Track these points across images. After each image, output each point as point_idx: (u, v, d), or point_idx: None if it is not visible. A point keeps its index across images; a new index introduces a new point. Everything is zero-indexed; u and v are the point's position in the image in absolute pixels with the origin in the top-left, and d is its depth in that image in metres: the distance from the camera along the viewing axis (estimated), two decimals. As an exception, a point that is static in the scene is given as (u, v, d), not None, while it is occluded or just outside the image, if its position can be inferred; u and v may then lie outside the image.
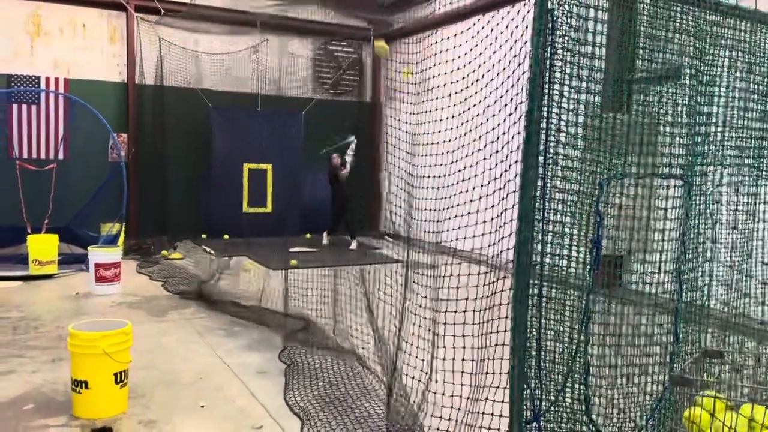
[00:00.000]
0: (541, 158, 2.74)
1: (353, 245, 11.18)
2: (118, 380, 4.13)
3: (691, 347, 3.14)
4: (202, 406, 4.30)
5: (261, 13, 11.28)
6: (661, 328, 2.96)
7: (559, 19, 2.71)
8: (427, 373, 4.03)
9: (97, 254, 7.64)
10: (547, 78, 2.71)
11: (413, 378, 4.12)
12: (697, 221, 3.17)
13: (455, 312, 3.83)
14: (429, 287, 4.41)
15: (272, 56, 12.21)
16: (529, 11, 2.79)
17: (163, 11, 11.21)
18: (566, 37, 2.75)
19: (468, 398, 3.36)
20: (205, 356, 5.36)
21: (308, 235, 12.33)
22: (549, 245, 2.79)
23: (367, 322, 5.31)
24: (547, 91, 2.71)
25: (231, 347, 5.60)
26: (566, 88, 2.77)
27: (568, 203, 2.82)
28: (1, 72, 10.45)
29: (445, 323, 3.96)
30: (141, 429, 3.95)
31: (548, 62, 2.71)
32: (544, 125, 2.73)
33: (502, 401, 3.02)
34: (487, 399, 3.15)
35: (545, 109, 2.73)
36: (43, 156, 10.72)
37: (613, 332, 2.85)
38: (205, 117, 11.88)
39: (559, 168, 2.79)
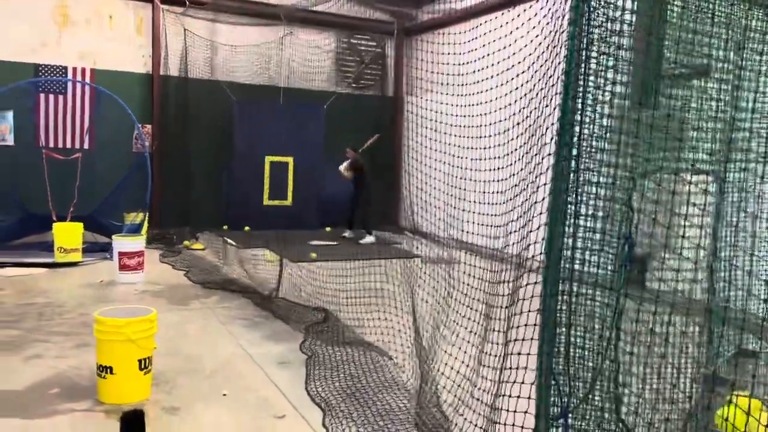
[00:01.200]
0: (574, 151, 2.70)
1: (365, 240, 11.17)
2: (142, 367, 4.17)
3: (726, 346, 3.08)
4: (225, 395, 4.32)
5: (285, 6, 11.29)
6: (695, 327, 2.91)
7: (596, 10, 2.66)
8: (459, 372, 4.01)
9: (121, 243, 7.72)
10: (582, 69, 2.67)
11: (448, 376, 4.10)
12: (731, 218, 3.11)
13: (472, 308, 3.81)
14: (451, 282, 4.39)
15: (295, 49, 12.22)
16: (566, 1, 2.74)
17: (188, 3, 11.27)
18: (602, 28, 2.70)
19: (493, 393, 3.34)
20: (227, 345, 5.39)
21: (328, 229, 12.36)
22: (580, 240, 2.75)
23: (396, 316, 5.30)
24: (582, 82, 2.66)
25: (253, 337, 5.62)
26: (601, 80, 2.71)
27: (601, 198, 2.77)
28: (29, 61, 10.59)
29: (467, 317, 3.94)
30: (164, 415, 3.98)
31: (584, 53, 2.66)
32: (578, 117, 2.68)
33: (528, 397, 2.99)
34: (510, 395, 3.12)
35: (579, 100, 2.69)
36: (69, 145, 10.85)
37: (645, 330, 2.80)
38: (228, 109, 11.94)
39: (592, 161, 2.74)
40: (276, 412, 4.07)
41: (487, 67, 4.61)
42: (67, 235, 8.54)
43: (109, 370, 4.10)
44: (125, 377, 4.11)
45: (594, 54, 2.69)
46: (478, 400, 3.48)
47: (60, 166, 9.76)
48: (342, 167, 11.49)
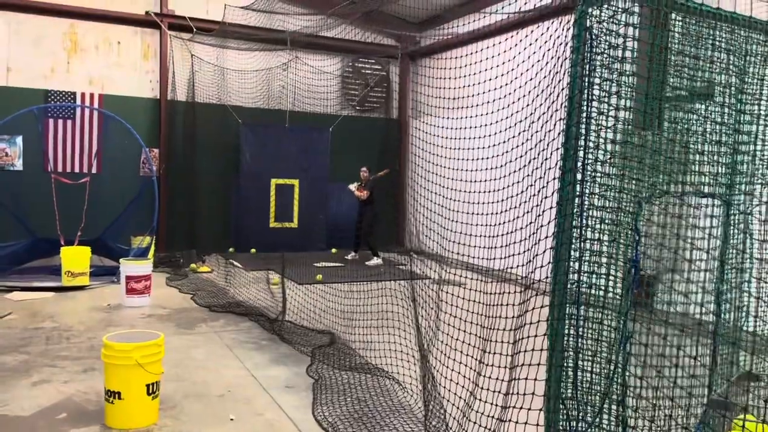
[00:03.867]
0: (578, 175, 2.73)
1: (372, 261, 11.19)
2: (150, 391, 4.17)
3: (731, 369, 3.07)
4: (232, 419, 4.32)
5: (291, 31, 11.45)
6: (701, 350, 2.91)
7: (598, 37, 2.70)
8: (461, 395, 4.00)
9: (128, 267, 7.75)
10: (586, 95, 2.71)
11: (449, 400, 4.09)
12: (736, 240, 3.12)
13: (477, 330, 3.81)
14: (457, 306, 4.39)
15: (301, 73, 12.36)
16: (568, 29, 2.79)
17: (195, 29, 11.44)
18: (604, 54, 2.74)
19: (499, 419, 3.32)
20: (234, 369, 5.38)
21: (334, 250, 12.39)
22: (586, 263, 2.76)
23: (404, 339, 5.29)
24: (585, 107, 2.70)
25: (259, 361, 5.62)
26: (605, 105, 2.75)
27: (606, 221, 2.79)
28: (40, 87, 10.74)
29: (470, 344, 3.94)
30: (172, 441, 3.97)
31: (587, 79, 2.70)
32: (582, 142, 2.72)
33: (537, 424, 2.98)
34: (518, 421, 3.11)
35: (583, 125, 2.72)
36: (77, 170, 10.95)
37: (652, 353, 2.80)
38: (235, 133, 12.05)
39: (597, 185, 2.77)
40: (283, 436, 4.06)
41: (491, 90, 4.67)
42: (75, 258, 8.59)
43: (117, 395, 4.10)
44: (133, 402, 4.11)
45: (597, 80, 2.73)
46: (485, 427, 3.47)
47: (68, 190, 9.84)
48: (353, 186, 11.57)
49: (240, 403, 4.63)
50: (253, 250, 11.62)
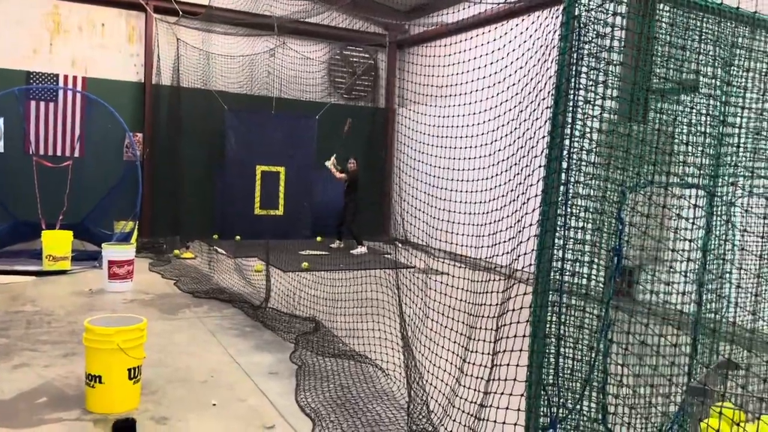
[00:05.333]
0: (564, 164, 2.74)
1: (357, 250, 11.19)
2: (132, 376, 4.15)
3: (713, 357, 3.11)
4: (214, 405, 4.31)
5: (278, 17, 11.35)
6: (682, 339, 2.94)
7: (586, 26, 2.70)
8: (445, 380, 4.02)
9: (110, 251, 7.68)
10: (573, 84, 2.71)
11: (434, 386, 4.11)
12: (720, 231, 3.15)
13: (463, 317, 3.83)
14: (442, 293, 4.40)
15: (288, 59, 12.27)
16: (556, 17, 2.78)
17: (181, 13, 11.30)
18: (592, 44, 2.75)
19: (481, 405, 3.35)
20: (217, 355, 5.37)
21: (319, 238, 12.37)
22: (570, 252, 2.78)
23: (387, 326, 5.30)
24: (572, 96, 2.71)
25: (243, 347, 5.61)
26: (591, 94, 2.76)
27: (590, 210, 2.81)
28: (21, 68, 10.56)
29: (454, 331, 3.96)
30: (153, 425, 3.95)
31: (574, 68, 2.70)
32: (568, 131, 2.73)
33: (518, 409, 3.00)
34: (499, 407, 3.14)
35: (569, 114, 2.73)
36: (59, 153, 10.81)
37: (633, 342, 2.83)
38: (220, 118, 11.95)
39: (582, 174, 2.78)
40: (265, 422, 4.06)
41: (478, 79, 4.66)
42: (57, 243, 8.49)
43: (98, 379, 4.07)
44: (114, 386, 4.08)
45: (584, 69, 2.73)
46: (467, 413, 3.49)
47: (50, 173, 9.71)
48: (329, 163, 11.52)
49: (223, 388, 4.62)
50: (237, 237, 11.57)
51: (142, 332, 4.26)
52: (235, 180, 12.01)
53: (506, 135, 3.67)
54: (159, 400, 4.33)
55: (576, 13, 2.73)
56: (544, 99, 2.97)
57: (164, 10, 11.39)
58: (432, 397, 4.03)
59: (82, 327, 4.22)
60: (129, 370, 4.12)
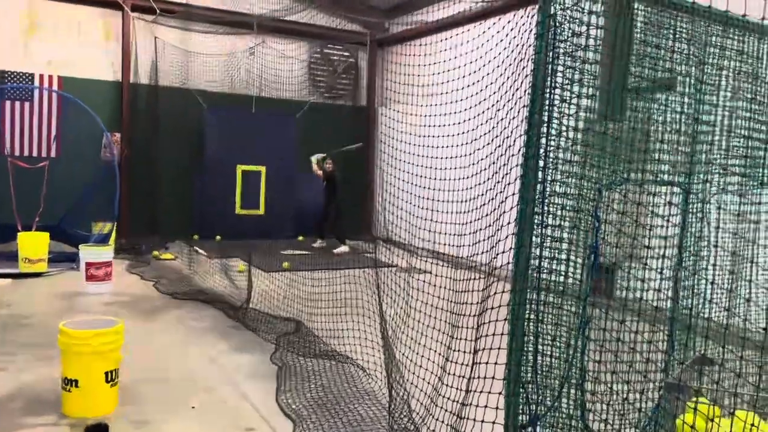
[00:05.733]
0: (540, 162, 2.75)
1: (339, 249, 11.17)
2: (109, 379, 4.09)
3: (688, 353, 3.14)
4: (193, 407, 4.27)
5: (258, 15, 11.28)
6: (659, 335, 2.97)
7: (562, 24, 2.72)
8: (427, 380, 4.02)
9: (88, 253, 7.58)
10: (549, 82, 2.72)
11: (416, 385, 4.11)
12: (695, 228, 3.18)
13: (440, 318, 3.83)
14: (424, 291, 4.40)
15: (268, 58, 12.19)
16: (533, 16, 2.79)
17: (159, 11, 11.18)
18: (568, 42, 2.76)
19: (462, 403, 3.35)
20: (196, 357, 5.32)
21: (301, 238, 12.32)
22: (547, 249, 2.79)
23: (368, 326, 5.29)
24: (548, 95, 2.72)
25: (222, 348, 5.56)
26: (567, 92, 2.77)
27: (567, 208, 2.82)
28: (-5, 68, 10.39)
29: (434, 328, 3.96)
30: (131, 429, 3.91)
31: (550, 66, 2.71)
32: (544, 129, 2.74)
33: (496, 408, 3.01)
34: (478, 405, 3.14)
35: (546, 113, 2.74)
36: (35, 153, 10.65)
37: (610, 338, 2.85)
38: (200, 117, 11.84)
39: (559, 172, 2.79)
40: (246, 424, 4.03)
41: (457, 79, 4.67)
42: (33, 244, 8.36)
43: (74, 383, 4.01)
44: (91, 390, 4.03)
45: (560, 68, 2.75)
46: (449, 412, 3.49)
47: (26, 174, 9.54)
48: (314, 158, 11.48)
49: (202, 390, 4.58)
50: (218, 237, 11.48)
51: (119, 335, 4.21)
52: (215, 179, 11.90)
53: (485, 134, 3.67)
54: (137, 404, 4.28)
55: (551, 12, 2.74)
56: (521, 98, 2.98)
57: (142, 9, 11.26)
58: (413, 397, 4.03)
59: (59, 330, 4.16)
60: (106, 373, 4.07)
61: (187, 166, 11.82)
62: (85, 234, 9.49)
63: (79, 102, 9.69)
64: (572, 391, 2.81)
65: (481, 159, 3.65)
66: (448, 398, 3.49)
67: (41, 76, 10.74)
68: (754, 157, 3.46)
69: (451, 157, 4.41)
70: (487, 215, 3.45)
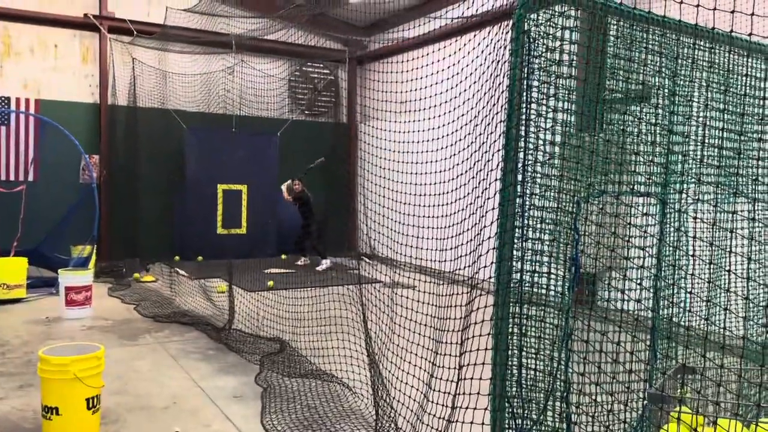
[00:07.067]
0: (519, 176, 2.77)
1: (321, 266, 11.14)
2: (90, 406, 4.02)
3: (669, 363, 3.16)
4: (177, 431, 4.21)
5: (236, 34, 11.30)
6: (640, 345, 2.98)
7: (536, 41, 2.75)
8: (413, 396, 4.00)
9: (67, 277, 7.47)
10: (525, 97, 2.75)
11: (402, 402, 4.09)
12: (672, 238, 3.22)
13: (429, 332, 3.82)
14: (406, 307, 4.39)
15: (247, 77, 12.20)
16: (507, 32, 2.83)
17: (136, 32, 11.15)
18: (542, 58, 2.80)
19: (448, 420, 3.34)
20: (179, 380, 5.25)
21: (284, 256, 12.26)
22: (528, 263, 2.81)
23: (353, 344, 5.25)
24: (524, 110, 2.75)
25: (206, 371, 5.50)
26: (543, 107, 2.80)
27: (547, 221, 2.84)
28: (-30, 92, 10.29)
29: (419, 345, 3.95)
30: (113, 456, 3.84)
31: (525, 82, 2.75)
32: (522, 144, 2.76)
33: (482, 423, 3.00)
34: (464, 421, 3.13)
35: (522, 127, 2.77)
36: (12, 177, 10.52)
37: (593, 350, 2.86)
38: (179, 138, 11.79)
39: (537, 186, 2.82)
40: (230, 447, 3.98)
41: (435, 94, 4.70)
42: (11, 270, 8.21)
43: (54, 411, 3.93)
44: (72, 418, 3.95)
45: (535, 83, 2.78)
46: (435, 429, 3.48)
47: (3, 198, 9.42)
48: (284, 186, 11.52)
49: (186, 414, 4.51)
50: (199, 258, 11.38)
51: (100, 360, 4.14)
52: (195, 200, 11.82)
53: (464, 149, 3.70)
54: (119, 430, 4.21)
55: (525, 28, 2.78)
56: (497, 113, 3.01)
57: (119, 30, 11.24)
58: (400, 414, 4.00)
59: (38, 357, 4.08)
60: (87, 400, 3.99)
61: (167, 187, 11.74)
62: (65, 258, 9.36)
63: (57, 125, 9.60)
64: (557, 403, 2.81)
65: (461, 174, 3.67)
66: (434, 415, 3.48)
67: (17, 100, 10.64)
68: (728, 167, 3.52)
69: (432, 172, 4.44)
70: (468, 229, 3.46)
